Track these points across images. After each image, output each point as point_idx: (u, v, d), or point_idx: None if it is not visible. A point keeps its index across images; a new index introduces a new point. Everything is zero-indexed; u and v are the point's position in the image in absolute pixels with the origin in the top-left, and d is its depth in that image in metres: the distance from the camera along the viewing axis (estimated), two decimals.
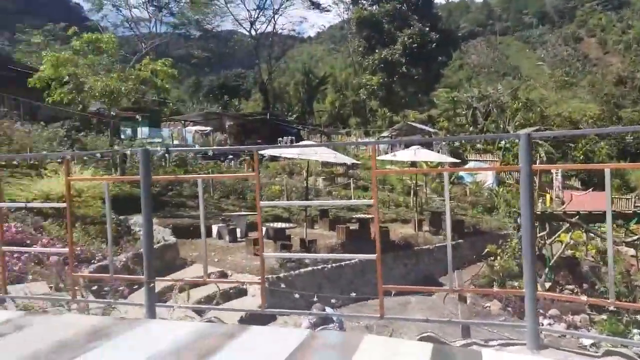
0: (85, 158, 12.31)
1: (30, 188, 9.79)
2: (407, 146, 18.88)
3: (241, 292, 8.95)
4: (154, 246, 4.77)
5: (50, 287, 6.12)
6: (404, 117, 43.68)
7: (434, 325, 3.40)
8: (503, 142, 29.37)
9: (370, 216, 14.71)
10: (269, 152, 13.39)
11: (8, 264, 5.38)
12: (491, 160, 28.93)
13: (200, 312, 6.09)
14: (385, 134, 37.49)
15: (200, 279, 4.30)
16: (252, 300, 8.77)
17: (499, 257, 11.46)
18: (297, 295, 3.71)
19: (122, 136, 21.67)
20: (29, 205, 7.87)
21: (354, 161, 18.27)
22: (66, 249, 3.99)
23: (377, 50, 50.87)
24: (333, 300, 4.39)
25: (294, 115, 49.21)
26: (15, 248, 5.14)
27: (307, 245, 11.52)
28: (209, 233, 12.16)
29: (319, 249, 11.54)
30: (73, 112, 16.13)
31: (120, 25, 51.52)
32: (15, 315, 3.25)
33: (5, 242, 3.95)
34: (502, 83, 48.81)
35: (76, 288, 3.68)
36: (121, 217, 10.15)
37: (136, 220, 10.48)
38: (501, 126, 35.80)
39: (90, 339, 2.19)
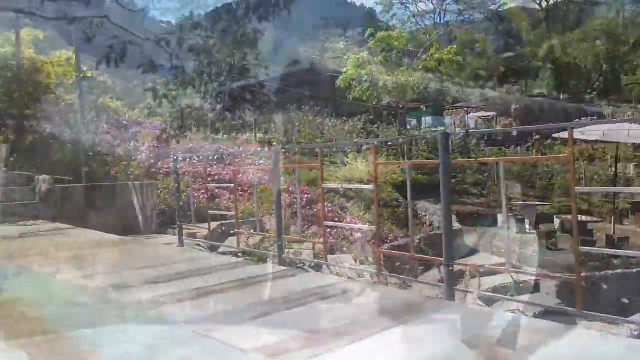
0: (389, 144, 13.78)
1: (336, 174, 11.44)
2: None
3: (529, 288, 8.29)
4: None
5: (355, 260, 7.04)
6: None
7: None
8: None
9: None
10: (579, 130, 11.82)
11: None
12: None
13: (487, 302, 5.92)
14: None
15: (501, 267, 4.15)
16: (546, 298, 8.02)
17: None
18: (626, 300, 3.15)
19: (408, 126, 22.96)
20: (344, 186, 9.20)
21: None
22: (373, 227, 4.48)
23: None
24: None
25: (594, 93, 42.31)
26: (333, 224, 6.05)
27: (617, 243, 9.79)
28: (494, 222, 11.73)
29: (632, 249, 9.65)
30: (368, 106, 18.03)
31: (407, 21, 54.54)
32: (336, 281, 3.83)
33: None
34: None
35: (381, 263, 4.07)
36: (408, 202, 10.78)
37: (422, 206, 10.99)
38: None
39: (406, 311, 2.37)
